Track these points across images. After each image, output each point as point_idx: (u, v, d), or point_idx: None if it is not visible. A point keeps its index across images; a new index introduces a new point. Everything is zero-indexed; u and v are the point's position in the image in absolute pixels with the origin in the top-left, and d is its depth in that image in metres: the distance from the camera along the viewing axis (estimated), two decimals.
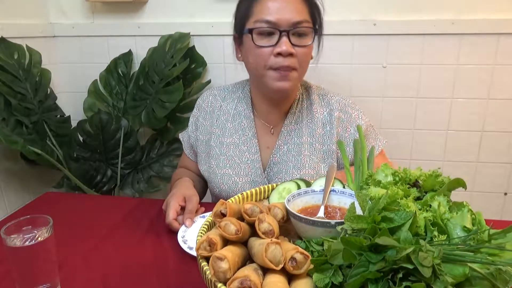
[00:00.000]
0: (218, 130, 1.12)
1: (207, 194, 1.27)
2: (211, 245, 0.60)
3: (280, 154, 1.08)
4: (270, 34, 0.96)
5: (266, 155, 1.09)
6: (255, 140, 1.09)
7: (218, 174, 1.10)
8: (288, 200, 0.72)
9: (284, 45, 0.94)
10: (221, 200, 0.69)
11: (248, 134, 1.09)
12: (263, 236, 0.60)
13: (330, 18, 1.65)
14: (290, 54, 0.95)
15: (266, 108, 1.10)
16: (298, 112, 1.09)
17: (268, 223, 0.61)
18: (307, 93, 1.12)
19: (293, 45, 0.95)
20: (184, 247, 0.85)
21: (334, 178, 0.80)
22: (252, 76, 1.07)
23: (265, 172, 1.09)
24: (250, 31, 0.97)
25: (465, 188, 0.68)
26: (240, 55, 1.07)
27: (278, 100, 1.07)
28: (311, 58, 1.07)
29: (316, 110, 1.09)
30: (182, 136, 1.24)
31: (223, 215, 0.67)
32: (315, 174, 1.05)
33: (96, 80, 1.81)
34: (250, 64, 1.02)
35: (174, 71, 1.64)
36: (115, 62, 1.78)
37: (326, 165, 1.07)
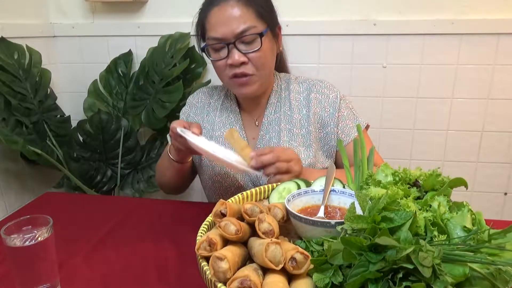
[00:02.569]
0: (208, 125, 1.17)
1: (201, 195, 1.27)
2: (211, 245, 0.60)
3: (263, 143, 1.12)
4: (221, 48, 1.01)
5: (253, 145, 1.14)
6: (243, 132, 1.14)
7: (209, 166, 1.13)
8: (288, 200, 0.72)
9: (235, 56, 0.99)
10: (221, 200, 0.69)
11: (236, 127, 1.14)
12: (263, 236, 0.60)
13: (330, 18, 1.65)
14: (243, 62, 1.00)
15: (247, 103, 1.16)
16: (277, 102, 1.14)
17: (268, 223, 0.61)
18: (286, 84, 1.17)
19: (244, 53, 1.00)
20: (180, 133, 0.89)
21: (334, 178, 0.81)
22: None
23: None
24: (203, 49, 1.05)
25: (467, 187, 0.68)
26: None
27: (251, 101, 1.14)
28: (279, 50, 1.12)
29: (293, 98, 1.14)
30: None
31: (223, 215, 0.67)
32: None
33: (96, 80, 1.81)
34: (218, 75, 1.08)
35: (174, 71, 1.64)
36: (115, 62, 1.78)
37: (306, 148, 1.10)
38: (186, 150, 0.97)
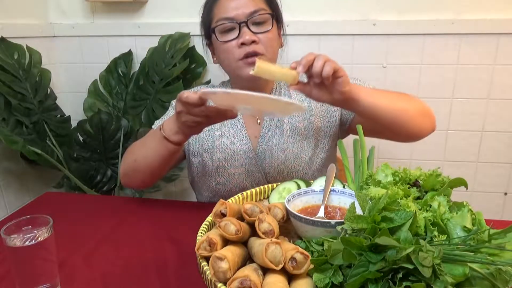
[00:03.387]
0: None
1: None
2: (211, 245, 0.60)
3: (265, 141, 1.11)
4: (231, 29, 1.02)
5: (255, 144, 1.12)
6: (244, 131, 1.12)
7: (212, 167, 1.11)
8: (288, 200, 0.72)
9: (246, 35, 0.99)
10: (221, 200, 0.69)
11: (237, 126, 1.12)
12: (263, 236, 0.60)
13: (330, 18, 1.65)
14: (253, 42, 1.00)
15: None
16: None
17: (268, 223, 0.61)
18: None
19: (254, 33, 1.01)
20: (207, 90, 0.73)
21: (334, 178, 0.81)
22: (229, 73, 1.13)
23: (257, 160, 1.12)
24: (213, 30, 1.04)
25: (467, 187, 0.68)
26: (215, 59, 1.13)
27: (256, 90, 1.07)
28: (281, 46, 1.13)
29: (293, 92, 1.14)
30: (157, 122, 1.15)
31: (223, 215, 0.67)
32: (299, 151, 1.09)
33: (96, 80, 1.81)
34: (223, 62, 1.08)
35: (174, 71, 1.64)
36: (115, 62, 1.78)
37: (309, 141, 1.10)
38: (205, 120, 0.82)
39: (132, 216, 1.04)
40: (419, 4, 1.58)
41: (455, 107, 1.68)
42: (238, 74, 1.05)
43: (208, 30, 1.08)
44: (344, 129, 1.15)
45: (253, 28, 1.01)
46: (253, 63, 0.97)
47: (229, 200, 0.79)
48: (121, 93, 1.80)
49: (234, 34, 1.01)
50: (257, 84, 1.08)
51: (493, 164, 1.72)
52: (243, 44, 1.00)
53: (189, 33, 1.69)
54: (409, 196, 0.64)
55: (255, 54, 1.00)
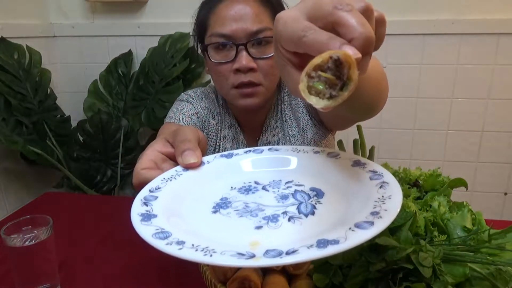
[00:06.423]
0: (213, 142, 1.01)
1: None
2: None
3: None
4: (227, 47, 0.85)
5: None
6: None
7: None
8: None
9: (243, 60, 0.83)
10: None
11: (239, 139, 1.02)
12: None
13: None
14: (251, 69, 0.84)
15: (245, 120, 1.02)
16: (276, 116, 1.00)
17: None
18: (282, 93, 1.02)
19: (254, 58, 0.84)
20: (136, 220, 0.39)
21: None
22: (221, 95, 0.99)
23: None
24: (205, 47, 0.89)
25: (467, 188, 0.68)
26: (207, 69, 0.96)
27: (252, 114, 0.99)
28: None
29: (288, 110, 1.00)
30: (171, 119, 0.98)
31: None
32: None
33: (96, 80, 1.81)
34: (215, 82, 0.93)
35: (174, 71, 1.64)
36: (115, 62, 1.78)
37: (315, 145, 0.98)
38: None
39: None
40: (419, 4, 1.58)
41: (455, 107, 1.68)
42: (231, 102, 0.92)
43: (202, 39, 0.94)
44: (317, 125, 0.98)
45: (253, 51, 0.84)
46: (248, 96, 0.86)
47: None
48: (121, 93, 1.80)
49: (230, 54, 0.85)
50: (250, 111, 0.95)
51: (493, 164, 1.72)
52: (238, 70, 0.84)
53: (189, 33, 1.69)
54: (409, 196, 0.64)
55: (250, 85, 0.85)
